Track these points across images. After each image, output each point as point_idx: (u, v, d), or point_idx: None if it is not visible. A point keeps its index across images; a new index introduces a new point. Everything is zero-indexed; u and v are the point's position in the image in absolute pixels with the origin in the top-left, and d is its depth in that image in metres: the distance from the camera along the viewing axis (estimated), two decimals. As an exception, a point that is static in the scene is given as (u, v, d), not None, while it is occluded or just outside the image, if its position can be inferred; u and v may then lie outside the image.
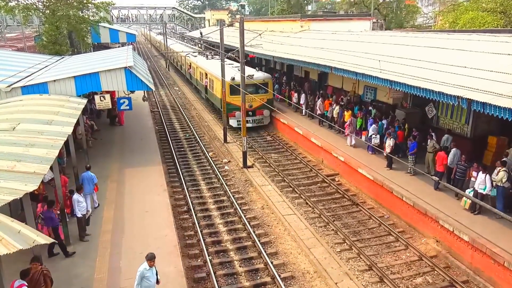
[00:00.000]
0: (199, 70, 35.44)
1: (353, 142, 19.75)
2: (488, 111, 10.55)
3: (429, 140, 16.09)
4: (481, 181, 12.66)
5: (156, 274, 9.28)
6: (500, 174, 12.39)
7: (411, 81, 13.52)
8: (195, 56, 40.06)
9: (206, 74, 31.73)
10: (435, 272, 11.93)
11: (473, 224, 12.23)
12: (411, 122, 18.16)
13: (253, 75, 24.71)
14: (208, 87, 31.42)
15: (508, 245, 10.95)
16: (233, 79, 24.19)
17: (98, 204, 15.00)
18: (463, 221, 12.40)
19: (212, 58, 35.14)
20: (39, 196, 12.67)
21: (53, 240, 8.43)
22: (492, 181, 12.57)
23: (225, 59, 27.11)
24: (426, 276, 11.81)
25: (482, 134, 16.37)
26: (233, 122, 25.86)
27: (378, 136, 18.07)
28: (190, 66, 41.77)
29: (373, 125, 18.51)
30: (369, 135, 18.57)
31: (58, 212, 12.61)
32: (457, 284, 11.26)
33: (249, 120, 25.18)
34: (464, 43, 17.08)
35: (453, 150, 14.67)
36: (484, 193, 12.57)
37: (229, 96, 24.14)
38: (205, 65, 32.70)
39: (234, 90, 23.87)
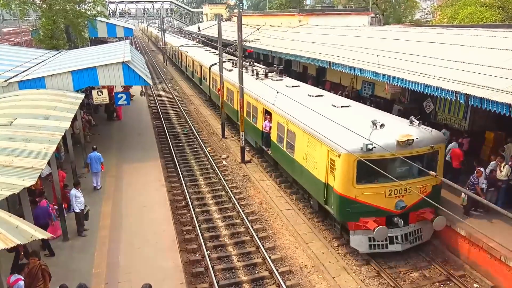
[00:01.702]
0: (249, 101, 19.93)
1: None
2: (485, 106, 10.59)
3: None
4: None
5: None
6: (506, 169, 12.47)
7: (409, 76, 13.53)
8: (230, 70, 24.49)
9: (270, 113, 17.43)
10: (432, 266, 11.99)
11: (470, 219, 12.28)
12: (409, 117, 18.15)
13: (412, 140, 11.49)
14: (280, 144, 16.36)
15: (505, 240, 11.00)
16: (368, 149, 11.09)
17: (101, 186, 15.87)
18: (460, 216, 12.44)
19: (278, 77, 20.42)
20: (36, 191, 12.65)
21: (51, 235, 8.43)
22: (485, 179, 12.60)
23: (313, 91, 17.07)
24: (423, 270, 11.86)
25: (480, 129, 16.41)
26: (361, 245, 11.98)
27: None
28: (224, 88, 24.29)
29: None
30: None
31: (56, 207, 12.64)
32: (453, 278, 11.32)
33: (397, 237, 11.96)
34: (462, 38, 17.07)
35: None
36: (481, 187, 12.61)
37: (353, 186, 11.59)
38: (270, 97, 16.87)
39: (366, 172, 11.37)
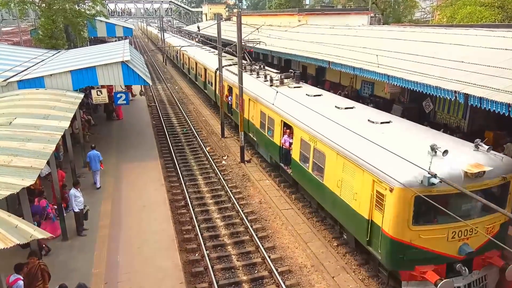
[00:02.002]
0: (263, 111, 18.01)
1: None
2: (485, 106, 10.59)
3: None
4: None
5: None
6: None
7: (409, 76, 13.53)
8: (291, 87, 18.24)
9: (290, 127, 15.55)
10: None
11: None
12: (409, 117, 18.18)
13: (483, 171, 9.35)
14: (304, 164, 14.31)
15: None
16: (431, 184, 8.87)
17: (100, 185, 16.02)
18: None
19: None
20: (35, 190, 12.65)
21: (50, 235, 8.43)
22: None
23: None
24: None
25: (479, 128, 16.43)
26: None
27: None
28: (232, 95, 23.10)
29: None
30: None
31: (55, 207, 12.64)
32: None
33: None
34: (461, 37, 17.08)
35: None
36: None
37: (409, 227, 9.50)
38: (289, 108, 15.33)
39: (425, 211, 9.58)
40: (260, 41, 23.75)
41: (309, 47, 22.34)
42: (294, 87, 18.00)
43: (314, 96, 16.31)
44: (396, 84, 14.63)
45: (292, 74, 19.35)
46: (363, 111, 14.12)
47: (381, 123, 12.34)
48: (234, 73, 23.13)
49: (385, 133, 11.46)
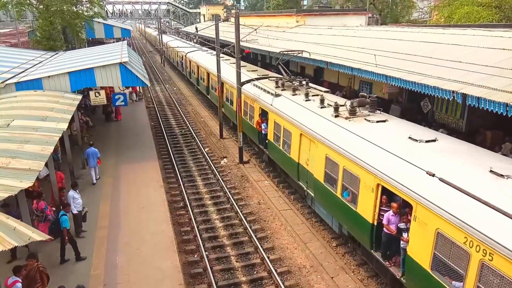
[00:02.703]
0: (330, 157, 12.04)
1: None
2: (482, 105, 10.63)
3: None
4: None
5: None
6: None
7: (407, 76, 13.57)
8: (278, 94, 16.89)
9: (388, 193, 9.77)
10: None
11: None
12: (407, 117, 18.22)
13: None
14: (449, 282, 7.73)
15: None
16: None
17: (99, 177, 16.64)
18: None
19: None
20: (33, 192, 12.61)
21: (49, 237, 8.42)
22: None
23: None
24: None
25: (477, 128, 16.48)
26: None
27: None
28: (269, 122, 17.24)
29: None
30: None
31: (54, 209, 12.61)
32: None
33: None
34: (459, 37, 17.13)
35: None
36: None
37: None
38: (388, 166, 9.52)
39: None
40: (303, 51, 19.41)
41: (308, 48, 22.36)
42: (377, 122, 12.03)
43: (427, 142, 10.03)
44: (395, 84, 14.67)
45: (367, 100, 13.23)
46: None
47: None
48: (267, 92, 17.66)
49: None
